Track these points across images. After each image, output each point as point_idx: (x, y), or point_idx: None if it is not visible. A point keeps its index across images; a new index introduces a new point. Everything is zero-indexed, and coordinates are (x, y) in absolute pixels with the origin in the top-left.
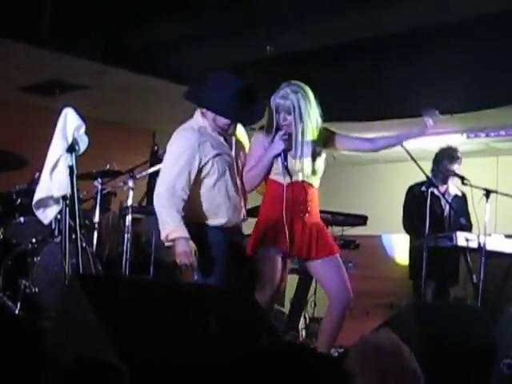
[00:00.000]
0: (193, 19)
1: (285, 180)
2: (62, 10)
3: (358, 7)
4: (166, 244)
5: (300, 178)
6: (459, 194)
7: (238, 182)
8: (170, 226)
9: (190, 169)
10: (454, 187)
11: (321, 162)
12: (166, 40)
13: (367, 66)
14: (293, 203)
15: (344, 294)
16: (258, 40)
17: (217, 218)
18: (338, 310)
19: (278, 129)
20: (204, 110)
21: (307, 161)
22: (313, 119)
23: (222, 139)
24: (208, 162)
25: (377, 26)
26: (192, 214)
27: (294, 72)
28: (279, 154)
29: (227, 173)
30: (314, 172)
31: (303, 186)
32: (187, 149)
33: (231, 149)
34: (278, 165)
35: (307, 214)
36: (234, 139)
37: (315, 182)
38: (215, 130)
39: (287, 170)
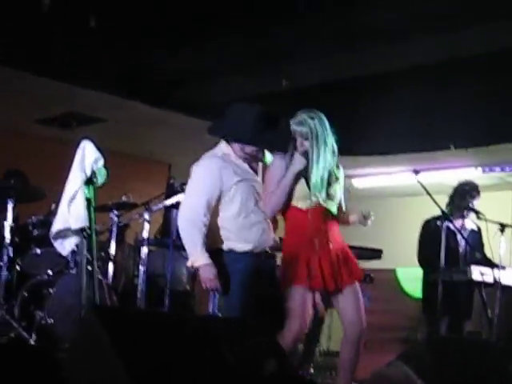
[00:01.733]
0: (208, 53)
1: (306, 203)
2: (78, 44)
3: (370, 42)
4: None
5: (315, 203)
6: (475, 228)
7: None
8: (194, 256)
9: (211, 196)
10: (469, 222)
11: (338, 187)
12: (181, 74)
13: (380, 101)
14: (314, 230)
15: (357, 326)
16: (273, 73)
17: (245, 243)
18: (351, 341)
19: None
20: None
21: (324, 185)
22: (329, 145)
23: (246, 166)
24: (231, 188)
25: (389, 60)
26: (219, 240)
27: (309, 105)
28: (300, 175)
29: (253, 199)
30: (330, 197)
31: (321, 212)
32: (208, 177)
33: (257, 175)
34: (297, 189)
35: (330, 243)
36: (260, 165)
37: (333, 207)
38: (240, 158)
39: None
